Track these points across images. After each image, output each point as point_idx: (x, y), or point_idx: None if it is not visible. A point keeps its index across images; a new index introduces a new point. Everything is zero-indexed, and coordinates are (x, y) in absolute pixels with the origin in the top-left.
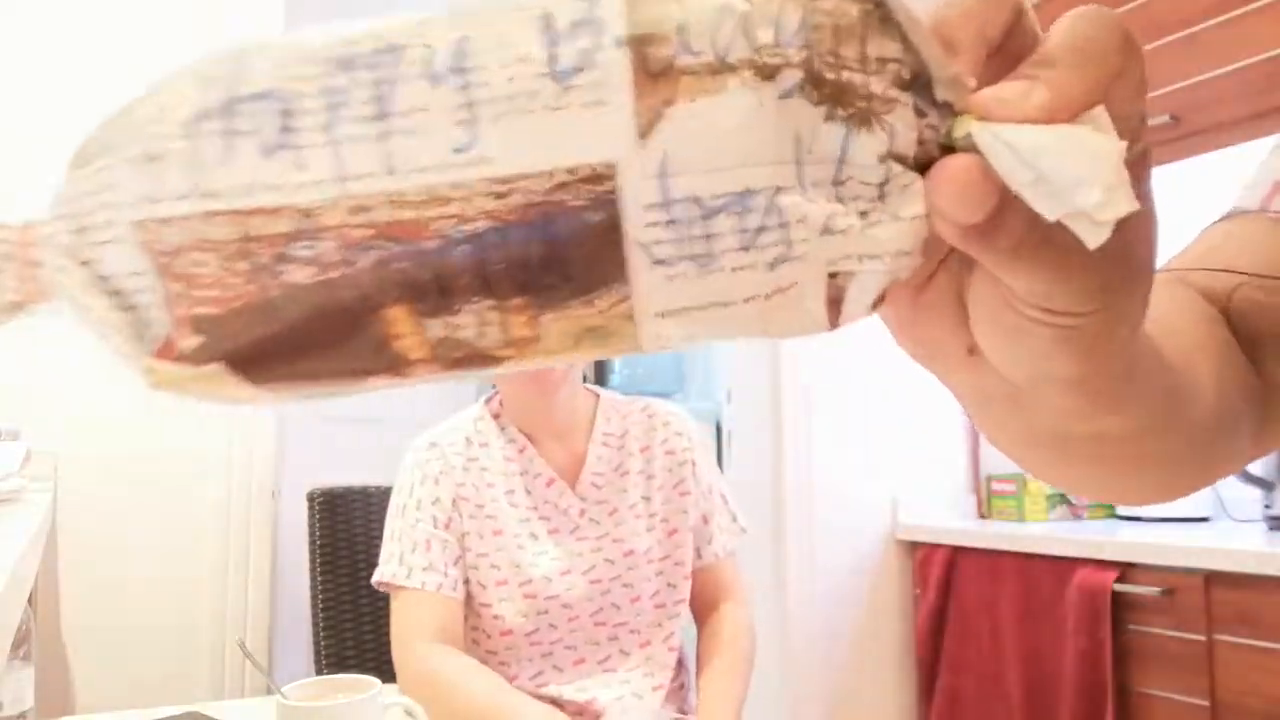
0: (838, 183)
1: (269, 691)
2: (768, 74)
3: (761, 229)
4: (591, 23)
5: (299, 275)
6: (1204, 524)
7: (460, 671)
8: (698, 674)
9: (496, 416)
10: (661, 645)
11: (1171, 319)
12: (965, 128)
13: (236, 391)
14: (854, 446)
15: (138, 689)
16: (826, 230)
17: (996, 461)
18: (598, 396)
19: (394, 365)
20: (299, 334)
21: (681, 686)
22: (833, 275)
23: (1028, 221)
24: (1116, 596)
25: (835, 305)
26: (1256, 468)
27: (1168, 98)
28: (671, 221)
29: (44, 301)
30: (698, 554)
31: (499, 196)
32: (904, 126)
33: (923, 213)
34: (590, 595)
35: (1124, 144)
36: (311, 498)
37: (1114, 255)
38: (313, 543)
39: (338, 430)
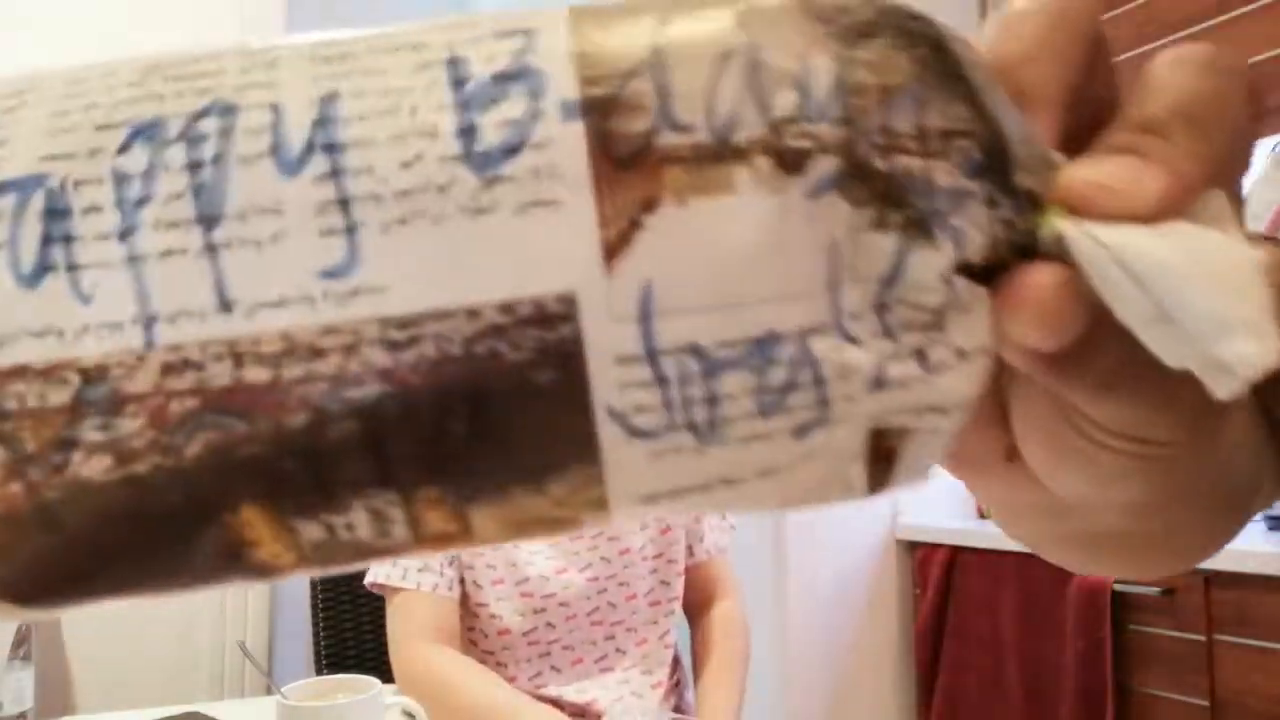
0: (881, 308)
1: (269, 691)
2: (794, 164)
3: (789, 387)
4: (524, 76)
5: (88, 469)
6: None
7: (459, 671)
8: (695, 674)
9: None
10: (658, 643)
11: None
12: (1054, 227)
13: (10, 614)
14: None
15: (138, 689)
16: (878, 384)
17: None
18: None
19: (257, 571)
20: (98, 548)
21: (678, 684)
22: (877, 432)
23: (1125, 348)
24: (1116, 596)
25: (880, 467)
26: None
27: None
28: (660, 380)
29: None
30: (689, 552)
31: (397, 346)
32: (974, 228)
33: (990, 341)
34: (587, 594)
35: (1259, 253)
36: None
37: None
38: None
39: None
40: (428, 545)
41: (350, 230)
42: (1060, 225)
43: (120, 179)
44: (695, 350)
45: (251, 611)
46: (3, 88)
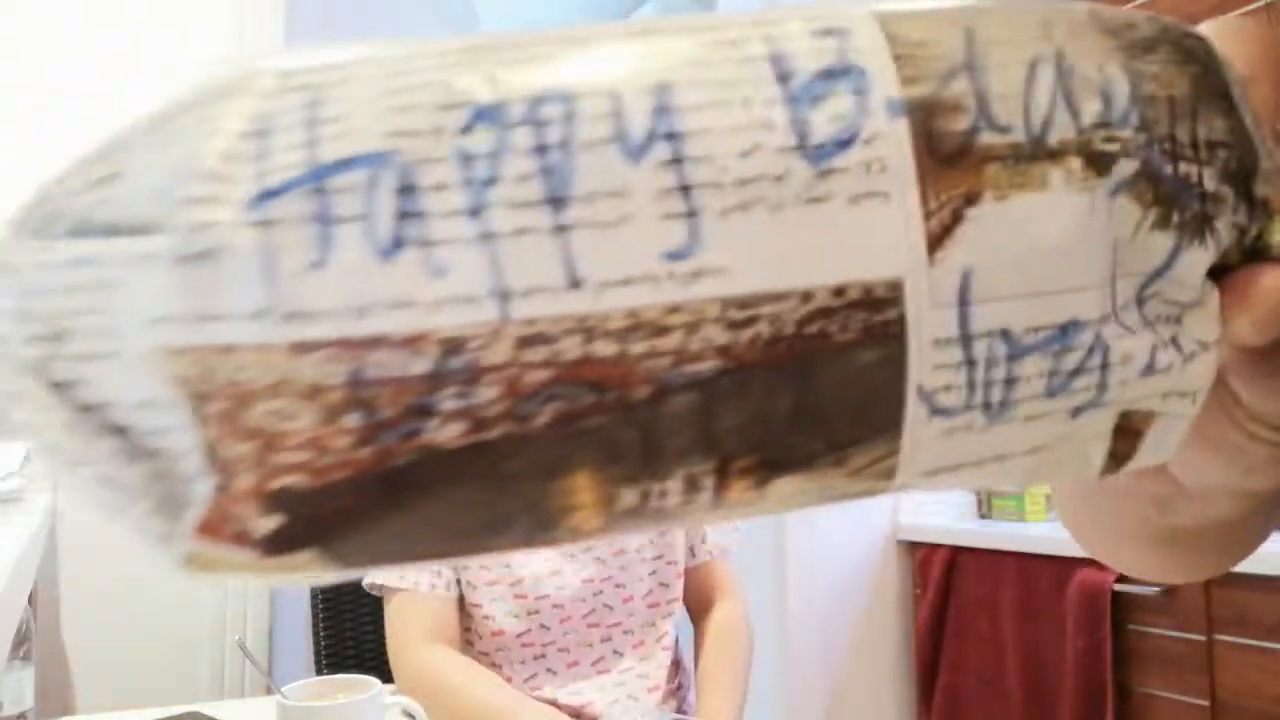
0: (1141, 301)
1: (269, 691)
2: (1102, 166)
3: (1079, 371)
4: (847, 74)
5: (440, 436)
6: None
7: (458, 672)
8: (696, 675)
9: None
10: (656, 645)
11: None
12: None
13: (320, 575)
14: None
15: (138, 689)
16: (1149, 369)
17: None
18: None
19: (552, 537)
20: (432, 512)
21: (679, 686)
22: (1126, 414)
23: None
24: (1116, 596)
25: (1122, 447)
26: None
27: None
28: (969, 362)
29: None
30: (691, 553)
31: (735, 325)
32: (1226, 231)
33: (1219, 335)
34: (582, 595)
35: None
36: None
37: None
38: None
39: None
40: (721, 512)
41: (691, 214)
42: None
43: (465, 159)
44: (1006, 334)
45: (251, 611)
46: (317, 63)
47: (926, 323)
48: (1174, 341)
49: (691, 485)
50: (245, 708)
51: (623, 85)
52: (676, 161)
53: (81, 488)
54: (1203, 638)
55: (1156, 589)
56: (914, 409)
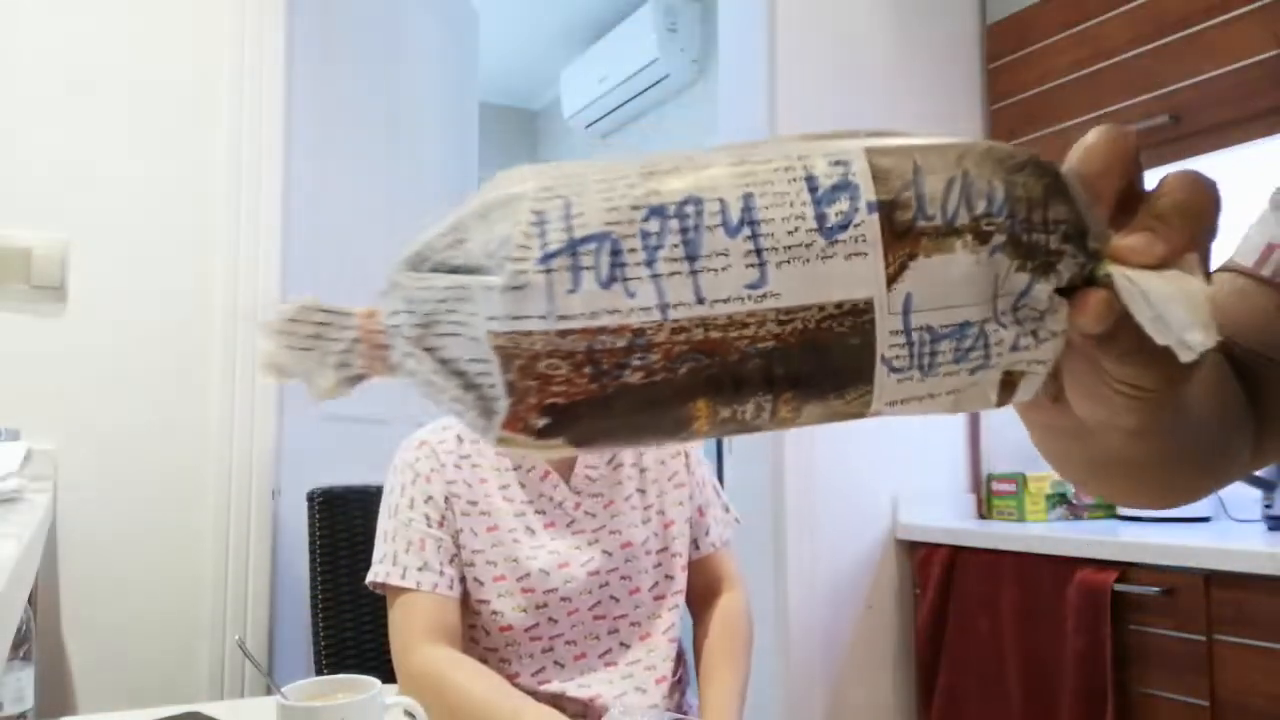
0: (1017, 309)
1: (269, 691)
2: (984, 239)
3: (971, 348)
4: (848, 187)
5: (631, 379)
6: (1204, 524)
7: (460, 671)
8: (698, 664)
9: None
10: (661, 637)
11: None
12: (1105, 269)
13: (566, 453)
14: (854, 446)
15: (138, 689)
16: (1014, 348)
17: (996, 461)
18: None
19: (684, 436)
20: (625, 419)
21: (680, 680)
22: (1008, 374)
23: (1136, 336)
24: (1116, 596)
25: (1005, 393)
26: None
27: (1168, 98)
28: (909, 344)
29: (388, 376)
30: (695, 545)
31: (783, 323)
32: (1066, 270)
33: (1065, 328)
34: (589, 588)
35: (1209, 288)
36: (311, 498)
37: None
38: (313, 543)
39: (338, 430)
40: (774, 424)
41: (762, 265)
42: (1109, 268)
43: (645, 235)
44: (929, 329)
45: (251, 611)
46: (562, 179)
47: (885, 322)
48: (1034, 333)
49: (759, 408)
50: (245, 708)
51: (726, 194)
52: (753, 236)
53: (439, 406)
54: (1203, 638)
55: (1156, 589)
56: (879, 367)
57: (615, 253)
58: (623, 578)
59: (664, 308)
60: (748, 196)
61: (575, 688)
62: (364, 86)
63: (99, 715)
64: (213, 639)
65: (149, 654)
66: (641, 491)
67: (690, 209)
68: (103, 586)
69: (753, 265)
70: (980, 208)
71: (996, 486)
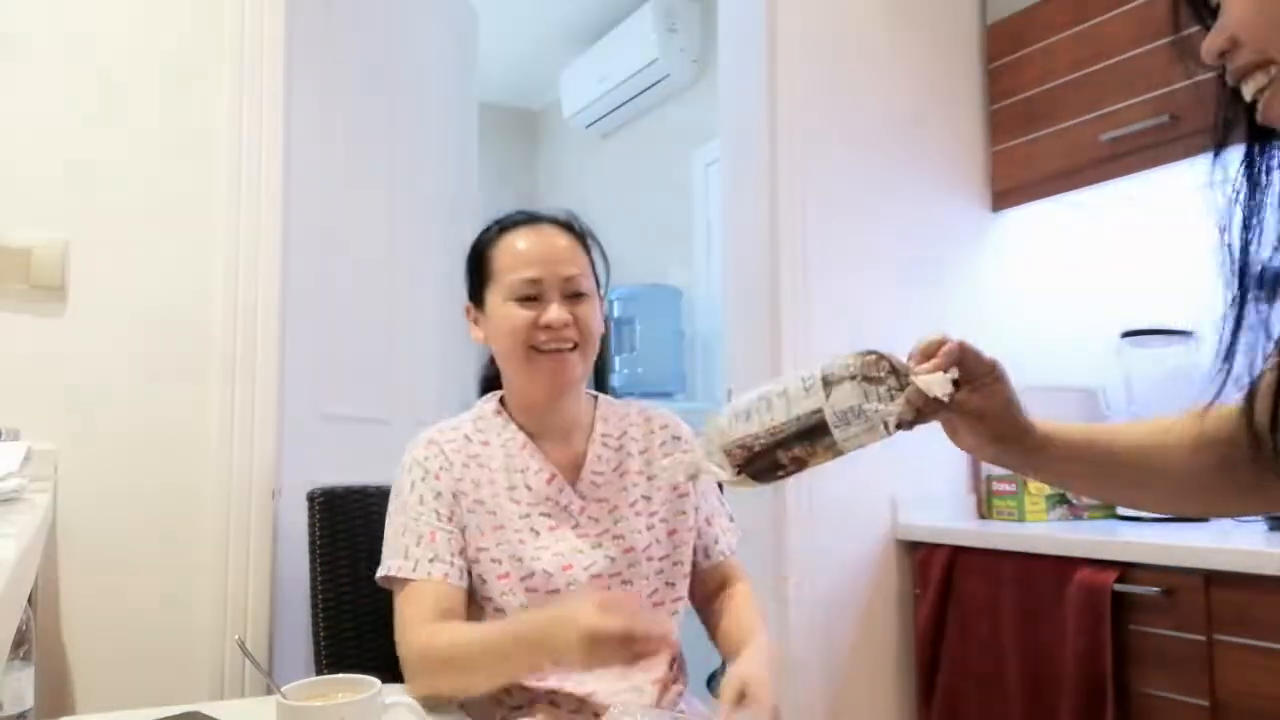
0: (878, 399)
1: (269, 691)
2: (855, 379)
3: (863, 415)
4: (813, 376)
5: (757, 447)
6: (1204, 524)
7: (462, 629)
8: (722, 645)
9: (499, 414)
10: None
11: (1162, 435)
12: (910, 379)
13: (750, 488)
14: None
15: (138, 689)
16: (876, 412)
17: None
18: (596, 399)
19: (782, 469)
20: (761, 464)
21: (676, 679)
22: (884, 421)
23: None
24: (1116, 596)
25: (885, 432)
26: None
27: (1168, 98)
28: (839, 417)
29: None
30: (706, 554)
31: (798, 421)
32: (893, 392)
33: (903, 403)
34: (590, 590)
35: (950, 375)
36: (311, 498)
37: (975, 417)
38: (313, 543)
39: (338, 430)
40: (801, 461)
41: (787, 403)
42: (917, 380)
43: (764, 405)
44: (843, 413)
45: (251, 611)
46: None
47: (828, 412)
48: (890, 400)
49: (794, 453)
50: (245, 708)
51: (793, 388)
52: (787, 401)
53: (710, 473)
54: (1203, 638)
55: (1157, 589)
56: (831, 429)
57: (748, 414)
58: (624, 582)
59: (767, 425)
60: (785, 387)
61: (573, 684)
62: (364, 86)
63: (99, 715)
64: (213, 639)
65: (149, 654)
66: (647, 498)
67: (768, 394)
68: (103, 586)
69: (784, 405)
70: (851, 371)
71: (996, 486)
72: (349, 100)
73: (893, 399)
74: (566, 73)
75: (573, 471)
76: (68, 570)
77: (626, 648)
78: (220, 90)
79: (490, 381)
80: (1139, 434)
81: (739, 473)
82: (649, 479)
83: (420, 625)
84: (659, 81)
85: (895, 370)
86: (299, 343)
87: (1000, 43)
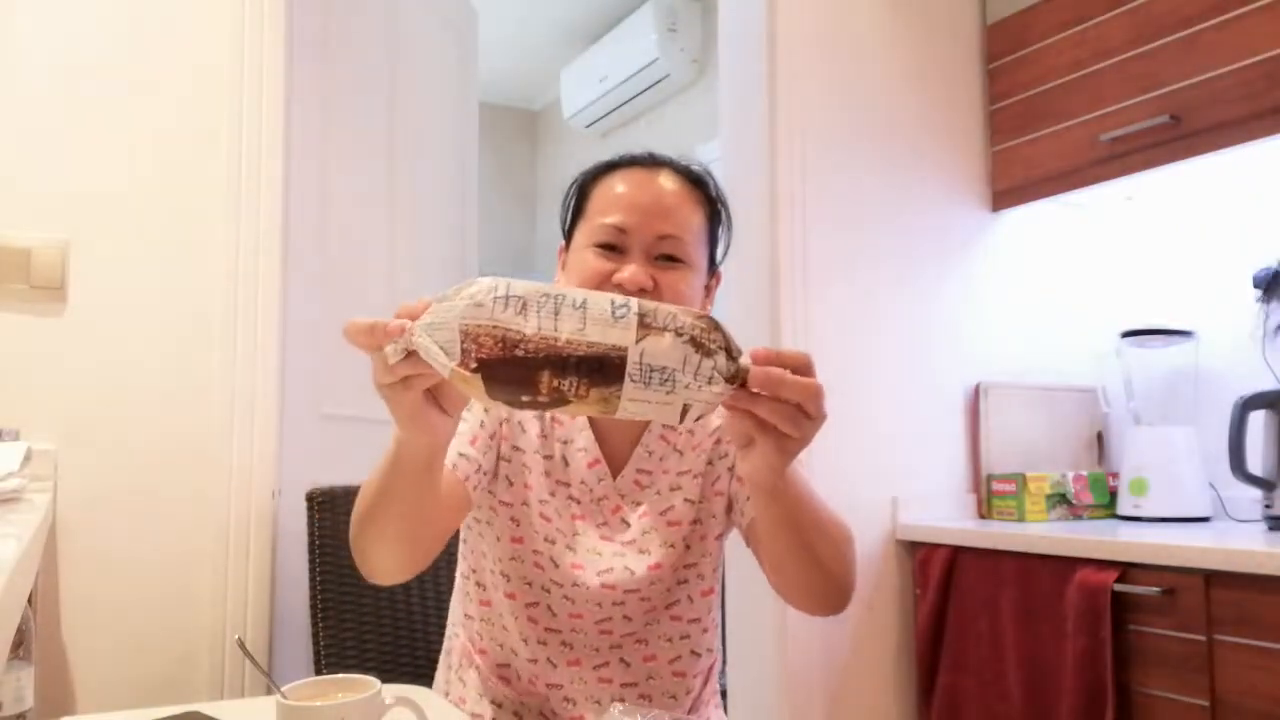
0: (697, 372)
1: (269, 691)
2: (681, 337)
3: (666, 381)
4: (627, 304)
5: (518, 352)
6: (1204, 524)
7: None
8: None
9: None
10: (666, 667)
11: None
12: (743, 364)
13: (478, 395)
14: (854, 446)
15: (138, 689)
16: (687, 388)
17: (996, 461)
18: None
19: (533, 395)
20: (511, 374)
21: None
22: (685, 405)
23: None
24: (1116, 596)
25: (683, 417)
26: (1256, 468)
27: (1168, 98)
28: (641, 370)
29: (409, 347)
30: (741, 513)
31: (590, 347)
32: (721, 360)
33: (718, 394)
34: (599, 600)
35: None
36: (311, 498)
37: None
38: (313, 543)
39: (338, 430)
40: (575, 401)
41: (584, 323)
42: (744, 362)
43: (538, 300)
44: (651, 367)
45: (251, 611)
46: (498, 283)
47: (632, 356)
48: (700, 386)
49: (571, 385)
50: (245, 708)
51: (579, 296)
52: (584, 313)
53: (425, 354)
54: (1203, 638)
55: (1157, 589)
56: (627, 378)
57: (523, 303)
58: (642, 599)
59: (538, 328)
60: (585, 298)
61: (558, 700)
62: (364, 86)
63: (99, 715)
64: (213, 639)
65: (149, 654)
66: (690, 502)
67: (563, 296)
68: (103, 586)
69: (580, 321)
70: (681, 325)
71: (996, 486)
72: (349, 101)
73: (710, 383)
74: (566, 73)
75: (618, 462)
76: (68, 570)
77: (373, 336)
78: (221, 90)
79: None
80: None
81: (475, 370)
82: (695, 477)
83: None
84: (659, 81)
85: (729, 351)
86: (299, 343)
87: (1000, 43)
